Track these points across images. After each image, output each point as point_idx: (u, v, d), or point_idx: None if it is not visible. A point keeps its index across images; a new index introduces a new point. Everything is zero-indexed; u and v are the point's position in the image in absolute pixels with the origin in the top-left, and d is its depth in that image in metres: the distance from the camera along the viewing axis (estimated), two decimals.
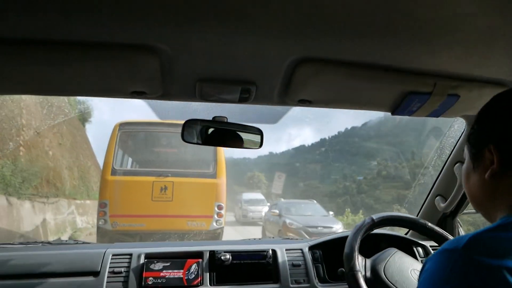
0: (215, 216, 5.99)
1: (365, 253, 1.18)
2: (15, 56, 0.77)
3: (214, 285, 1.24)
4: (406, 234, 1.56)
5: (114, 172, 5.83)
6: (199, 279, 1.24)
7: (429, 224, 1.20)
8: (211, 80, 0.93)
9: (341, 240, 1.20)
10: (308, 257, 1.35)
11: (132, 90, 0.96)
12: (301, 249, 1.37)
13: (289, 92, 1.00)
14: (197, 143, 1.18)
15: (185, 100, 1.08)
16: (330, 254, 1.37)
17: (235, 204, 19.05)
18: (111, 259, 1.24)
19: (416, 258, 1.36)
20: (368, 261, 1.13)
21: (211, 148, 5.89)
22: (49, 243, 1.46)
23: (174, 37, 0.73)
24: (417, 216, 1.59)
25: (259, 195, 20.08)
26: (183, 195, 5.84)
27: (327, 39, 0.76)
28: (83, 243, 1.46)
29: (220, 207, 6.02)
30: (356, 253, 1.07)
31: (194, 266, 1.27)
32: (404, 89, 0.97)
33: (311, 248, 1.39)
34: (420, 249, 1.41)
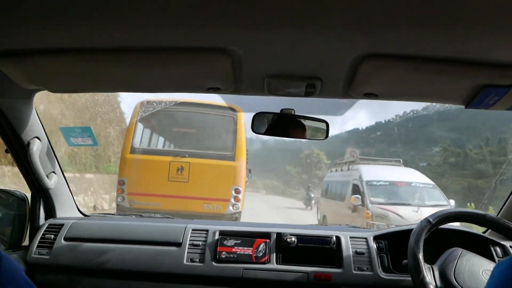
0: (232, 200, 5.82)
1: (434, 248, 1.16)
2: (117, 61, 0.91)
3: (280, 264, 1.34)
4: (484, 232, 1.46)
5: (133, 151, 5.85)
6: (267, 257, 1.35)
7: (489, 215, 1.14)
8: (278, 76, 0.99)
9: (407, 233, 1.20)
10: (373, 246, 1.37)
11: (208, 86, 1.07)
12: (365, 238, 1.40)
13: (354, 86, 1.01)
14: (266, 134, 1.27)
15: (254, 94, 1.16)
16: (395, 245, 1.36)
17: (328, 195, 8.79)
18: (191, 233, 1.41)
19: (493, 259, 1.28)
20: (435, 268, 1.10)
21: (231, 129, 5.89)
22: (140, 215, 1.71)
23: (244, 39, 0.80)
24: (497, 214, 1.47)
25: (417, 175, 7.58)
26: (199, 177, 5.75)
27: (391, 34, 0.75)
28: (167, 217, 1.69)
29: (237, 191, 5.83)
30: (422, 262, 1.06)
31: (262, 245, 1.38)
32: (479, 82, 0.91)
33: (376, 238, 1.40)
34: (498, 249, 1.32)
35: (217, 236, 1.39)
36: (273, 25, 0.73)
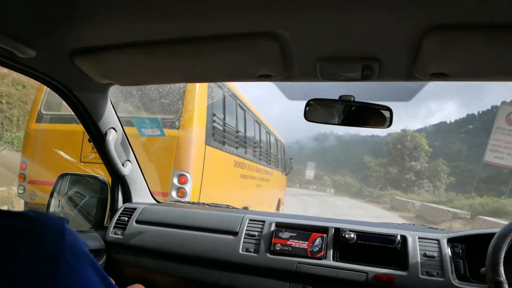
0: (173, 193, 3.56)
1: None
2: (172, 53, 0.94)
3: (337, 261, 1.27)
4: None
5: (40, 118, 4.09)
6: (323, 252, 1.29)
7: None
8: (330, 59, 0.92)
9: (488, 237, 1.04)
10: (446, 250, 1.21)
11: (259, 74, 1.04)
12: (437, 240, 1.25)
13: (418, 66, 0.89)
14: (322, 122, 1.20)
15: (307, 80, 1.10)
16: (476, 251, 1.19)
17: None
18: (248, 223, 1.43)
19: None
20: None
21: (178, 85, 3.83)
22: (207, 204, 1.81)
23: (290, 22, 0.76)
24: None
25: None
26: None
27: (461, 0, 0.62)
28: (228, 207, 1.77)
29: (182, 179, 3.55)
30: (503, 274, 0.94)
31: (318, 240, 1.32)
32: None
33: (451, 240, 1.24)
34: None
35: (273, 228, 1.39)
36: (319, 3, 0.67)
